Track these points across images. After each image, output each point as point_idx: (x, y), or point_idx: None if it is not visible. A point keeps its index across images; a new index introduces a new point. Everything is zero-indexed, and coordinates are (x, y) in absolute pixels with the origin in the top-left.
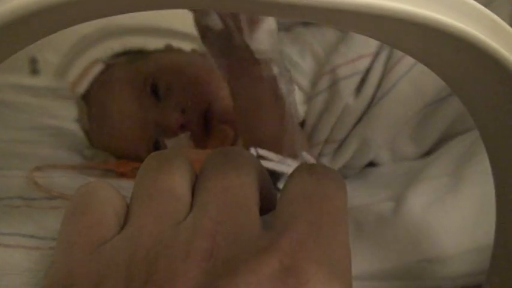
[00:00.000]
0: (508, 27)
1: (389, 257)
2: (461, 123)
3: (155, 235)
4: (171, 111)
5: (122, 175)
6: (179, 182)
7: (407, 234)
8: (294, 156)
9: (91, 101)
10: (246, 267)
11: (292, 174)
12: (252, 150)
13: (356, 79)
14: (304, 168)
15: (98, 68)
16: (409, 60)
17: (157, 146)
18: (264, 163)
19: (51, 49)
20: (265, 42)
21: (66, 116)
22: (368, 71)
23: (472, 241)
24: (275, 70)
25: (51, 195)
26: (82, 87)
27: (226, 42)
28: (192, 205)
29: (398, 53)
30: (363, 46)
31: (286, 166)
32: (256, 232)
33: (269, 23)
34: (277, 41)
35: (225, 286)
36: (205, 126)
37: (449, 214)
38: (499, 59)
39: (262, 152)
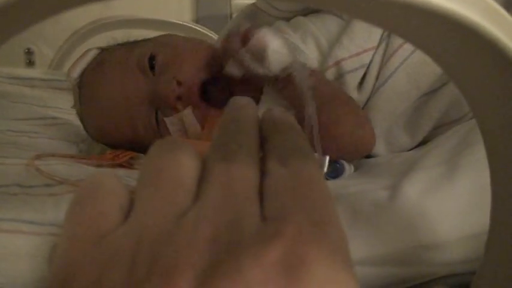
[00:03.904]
0: (506, 13)
1: (385, 243)
2: (453, 113)
3: (159, 225)
4: (166, 83)
5: (118, 166)
6: (185, 172)
7: (403, 221)
8: None
9: (84, 84)
10: (249, 254)
11: (266, 167)
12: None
13: (360, 72)
14: (277, 160)
15: (93, 53)
16: (404, 51)
17: (157, 122)
18: None
19: (46, 42)
20: (279, 60)
21: (62, 107)
22: (369, 64)
23: (467, 228)
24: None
25: (51, 182)
26: (76, 73)
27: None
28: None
29: (394, 45)
30: (366, 39)
31: None
32: (257, 221)
33: (274, 44)
34: (291, 48)
35: (229, 272)
36: (207, 100)
37: (445, 201)
38: (498, 45)
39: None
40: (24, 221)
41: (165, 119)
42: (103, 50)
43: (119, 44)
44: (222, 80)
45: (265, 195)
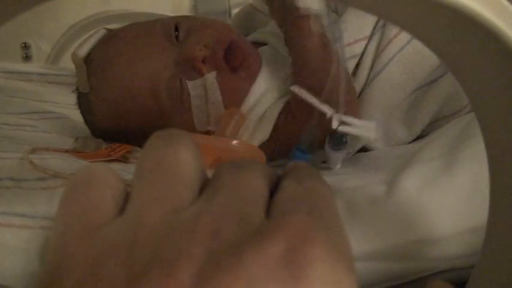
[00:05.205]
0: (506, 2)
1: (383, 238)
2: (451, 106)
3: (158, 217)
4: (194, 45)
5: (113, 160)
6: (185, 166)
7: (400, 215)
8: (334, 101)
9: (94, 60)
10: (252, 248)
11: (281, 183)
12: (337, 117)
13: (352, 63)
14: (292, 180)
15: (102, 32)
16: (399, 41)
17: (182, 88)
18: (344, 128)
19: (43, 36)
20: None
21: (59, 101)
22: (363, 54)
23: (466, 222)
24: (324, 22)
25: (44, 176)
26: (84, 51)
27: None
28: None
29: (389, 35)
30: (359, 30)
31: (364, 130)
32: (261, 218)
33: None
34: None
35: (232, 266)
36: (229, 64)
37: (443, 195)
38: (498, 35)
39: (345, 118)
40: (16, 214)
41: (188, 82)
42: (112, 30)
43: (130, 24)
44: (241, 43)
45: (273, 205)
